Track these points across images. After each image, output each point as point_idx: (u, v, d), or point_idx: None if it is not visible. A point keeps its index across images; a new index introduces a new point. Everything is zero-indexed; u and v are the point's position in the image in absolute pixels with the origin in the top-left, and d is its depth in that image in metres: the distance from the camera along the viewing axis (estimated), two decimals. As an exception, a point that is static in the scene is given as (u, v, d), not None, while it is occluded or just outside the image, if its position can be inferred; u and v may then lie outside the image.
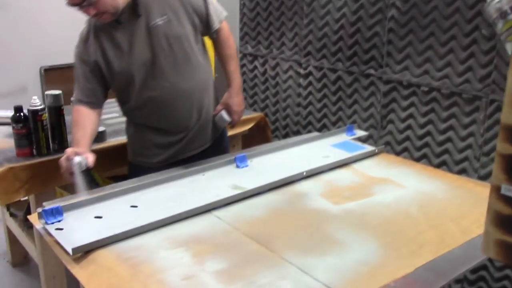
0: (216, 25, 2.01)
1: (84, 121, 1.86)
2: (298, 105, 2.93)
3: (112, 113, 2.60)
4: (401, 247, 1.36)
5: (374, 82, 2.51)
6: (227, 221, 1.48)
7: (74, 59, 1.91)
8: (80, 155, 1.67)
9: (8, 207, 2.53)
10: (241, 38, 3.18)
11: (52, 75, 3.12)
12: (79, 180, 1.65)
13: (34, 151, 1.99)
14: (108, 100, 2.84)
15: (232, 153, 2.00)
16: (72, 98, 1.93)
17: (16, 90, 3.15)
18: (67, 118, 2.07)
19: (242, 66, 3.18)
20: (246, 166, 1.86)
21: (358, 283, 1.20)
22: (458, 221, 1.50)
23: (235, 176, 1.77)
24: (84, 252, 1.31)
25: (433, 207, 1.59)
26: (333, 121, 2.77)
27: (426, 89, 2.29)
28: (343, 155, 1.97)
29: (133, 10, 1.85)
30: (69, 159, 1.66)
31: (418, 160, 2.35)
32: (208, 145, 2.11)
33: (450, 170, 2.23)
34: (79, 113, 1.87)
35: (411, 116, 2.38)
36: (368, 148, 2.05)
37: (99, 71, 1.88)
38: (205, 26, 1.99)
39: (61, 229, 1.40)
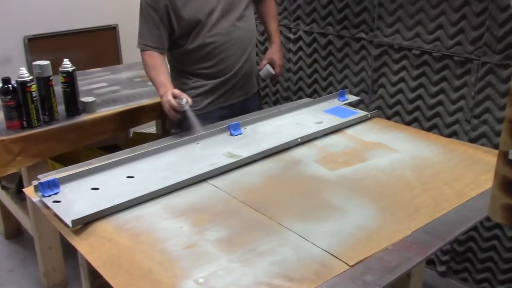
0: None
1: (160, 65, 2.01)
2: (288, 70, 2.91)
3: (101, 82, 2.56)
4: (398, 211, 1.38)
5: (365, 46, 2.49)
6: (224, 189, 1.49)
7: (141, 7, 2.03)
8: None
9: (-1, 179, 2.51)
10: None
11: (36, 44, 3.05)
12: (193, 116, 1.87)
13: (25, 123, 1.96)
14: (95, 69, 2.82)
15: (225, 121, 1.99)
16: (139, 44, 2.06)
17: (-1, 61, 3.08)
18: (56, 88, 2.03)
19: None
20: (240, 133, 1.86)
21: (358, 247, 1.22)
22: (452, 184, 1.52)
23: (229, 144, 1.77)
24: (84, 224, 1.31)
25: (427, 170, 1.61)
26: (324, 86, 2.76)
27: (417, 52, 2.28)
28: (336, 120, 1.97)
29: None
30: (179, 99, 1.84)
31: (409, 123, 2.36)
32: (250, 95, 2.27)
33: (441, 133, 2.25)
34: (153, 58, 2.02)
35: (402, 80, 2.38)
36: (360, 113, 2.05)
37: (168, 17, 2.00)
38: None
39: (59, 201, 1.40)
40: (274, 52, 2.30)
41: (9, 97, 1.92)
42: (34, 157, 2.00)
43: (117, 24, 3.46)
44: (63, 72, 2.06)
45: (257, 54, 2.56)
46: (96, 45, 3.36)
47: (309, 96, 2.80)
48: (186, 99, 1.84)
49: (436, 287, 2.42)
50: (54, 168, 2.17)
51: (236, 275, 1.12)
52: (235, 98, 2.20)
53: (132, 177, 1.54)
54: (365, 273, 1.13)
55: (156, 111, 2.33)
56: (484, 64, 2.06)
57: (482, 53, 2.06)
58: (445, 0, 2.13)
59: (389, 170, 1.61)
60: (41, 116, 2.01)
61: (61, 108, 2.10)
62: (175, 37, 2.07)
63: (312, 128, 1.89)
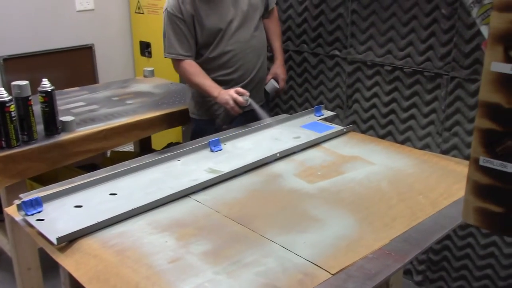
0: (272, 5, 2.44)
1: (200, 70, 2.24)
2: (265, 87, 2.96)
3: (79, 101, 2.57)
4: (375, 221, 1.43)
5: (339, 63, 2.57)
6: (207, 204, 1.52)
7: (169, 18, 2.19)
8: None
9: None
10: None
11: (12, 64, 3.04)
12: (258, 108, 2.19)
13: (4, 143, 1.96)
14: (72, 89, 2.82)
15: (205, 138, 2.02)
16: (170, 54, 2.24)
17: (-26, 81, 3.06)
18: (35, 108, 2.04)
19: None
20: (220, 149, 1.89)
21: (338, 256, 1.26)
22: (427, 194, 1.58)
23: (210, 160, 1.80)
24: (68, 241, 1.32)
25: (402, 181, 1.66)
26: (300, 102, 2.82)
27: (389, 68, 2.36)
28: (313, 135, 2.02)
29: None
30: (243, 96, 2.12)
31: (383, 137, 2.44)
32: (263, 103, 2.45)
33: (414, 146, 2.33)
34: (191, 65, 2.24)
35: (375, 95, 2.46)
36: (336, 127, 2.11)
37: (194, 27, 2.19)
38: (265, 4, 2.38)
39: (42, 219, 1.40)
40: (278, 67, 2.46)
41: (-12, 117, 1.92)
42: (13, 177, 1.99)
43: (93, 44, 3.48)
44: (42, 92, 2.07)
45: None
46: (72, 64, 3.37)
47: (286, 112, 2.86)
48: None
49: (413, 297, 2.47)
50: (33, 188, 2.16)
51: (222, 287, 1.14)
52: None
53: (115, 194, 1.55)
54: (347, 280, 1.17)
55: (137, 129, 2.35)
56: (453, 79, 2.15)
57: (450, 68, 2.15)
58: (415, 18, 2.23)
59: (366, 182, 1.66)
60: (20, 136, 2.00)
61: (40, 127, 2.10)
62: (198, 47, 2.26)
63: (290, 143, 1.94)
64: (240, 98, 2.11)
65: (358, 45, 2.45)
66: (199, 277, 1.17)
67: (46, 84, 2.08)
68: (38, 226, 1.37)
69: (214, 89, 2.18)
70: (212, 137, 1.94)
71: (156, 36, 3.56)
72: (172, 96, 2.70)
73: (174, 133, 3.38)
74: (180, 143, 2.65)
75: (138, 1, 3.59)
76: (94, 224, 1.35)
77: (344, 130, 2.09)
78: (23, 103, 1.98)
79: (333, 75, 2.61)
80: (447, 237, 2.34)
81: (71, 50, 3.37)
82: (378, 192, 1.60)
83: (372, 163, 1.81)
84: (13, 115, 1.95)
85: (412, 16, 2.23)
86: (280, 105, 2.91)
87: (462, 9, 2.03)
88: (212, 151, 1.87)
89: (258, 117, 2.20)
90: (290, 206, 1.51)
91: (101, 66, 3.57)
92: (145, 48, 3.66)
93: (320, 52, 2.63)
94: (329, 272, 1.19)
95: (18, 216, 1.44)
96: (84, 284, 1.19)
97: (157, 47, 3.58)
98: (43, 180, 2.30)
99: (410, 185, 1.64)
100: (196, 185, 1.58)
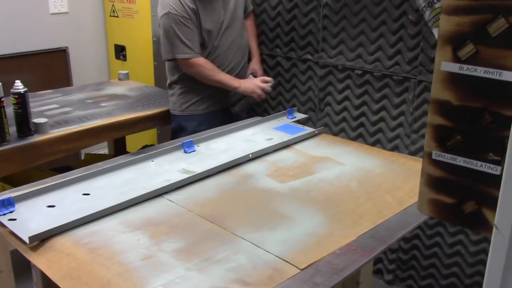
0: (250, 7, 2.63)
1: (215, 66, 2.39)
2: (239, 91, 3.00)
3: (52, 104, 2.56)
4: (344, 218, 1.47)
5: (311, 66, 2.62)
6: (179, 203, 1.54)
7: (175, 21, 2.26)
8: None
9: None
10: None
11: (-16, 66, 3.02)
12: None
13: (-25, 145, 1.95)
14: (46, 91, 2.81)
15: (178, 139, 2.04)
16: (185, 54, 2.32)
17: None
18: (8, 110, 2.03)
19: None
20: (194, 151, 1.92)
21: (308, 252, 1.30)
22: (394, 193, 1.64)
23: (183, 161, 1.82)
24: (41, 240, 1.33)
25: (370, 181, 1.72)
26: (273, 105, 2.86)
27: (359, 72, 2.43)
28: (285, 137, 2.06)
29: None
30: (269, 82, 2.42)
31: (354, 139, 2.49)
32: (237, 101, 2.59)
33: (384, 148, 2.39)
34: (206, 61, 2.38)
35: (346, 98, 2.52)
36: (308, 129, 2.16)
37: (196, 24, 2.30)
38: (244, 6, 2.55)
39: (14, 219, 1.41)
40: (256, 63, 2.64)
41: (-41, 118, 1.91)
42: (-16, 179, 1.98)
43: (67, 47, 3.47)
44: (14, 94, 2.06)
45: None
46: (46, 67, 3.35)
47: (259, 114, 2.89)
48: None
49: (384, 295, 2.52)
50: (4, 189, 2.15)
51: (193, 282, 1.17)
52: (229, 102, 2.57)
53: (88, 194, 1.57)
54: (314, 275, 1.21)
55: (111, 131, 2.36)
56: (420, 82, 2.22)
57: (418, 72, 2.22)
58: (384, 23, 2.29)
59: (336, 182, 1.71)
60: (-8, 137, 2.00)
61: (12, 129, 2.10)
62: None
63: (262, 144, 1.98)
64: (267, 87, 2.39)
65: (330, 50, 2.51)
66: (170, 273, 1.20)
67: (19, 85, 2.08)
68: (10, 225, 1.37)
69: (234, 80, 2.40)
70: (185, 139, 1.96)
71: (131, 40, 3.57)
72: (146, 99, 2.72)
73: (149, 136, 3.39)
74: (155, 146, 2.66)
75: (113, 5, 3.59)
76: (66, 223, 1.36)
77: (316, 132, 2.13)
78: (-5, 104, 1.98)
79: (306, 78, 2.66)
80: (416, 236, 2.41)
81: (45, 53, 3.36)
82: (347, 191, 1.65)
83: (342, 163, 1.86)
84: (-15, 116, 1.94)
85: (381, 21, 2.29)
86: (254, 107, 2.95)
87: (411, 10, 2.10)
88: (185, 152, 1.90)
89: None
90: (261, 205, 1.55)
91: (75, 69, 3.56)
92: (119, 51, 3.66)
93: (292, 56, 2.68)
94: (298, 268, 1.23)
95: (-11, 216, 1.44)
96: (56, 282, 1.20)
97: (132, 51, 3.59)
98: (15, 182, 2.28)
99: (378, 184, 1.69)
100: (169, 185, 1.61)
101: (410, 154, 2.29)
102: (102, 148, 3.51)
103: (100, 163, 1.83)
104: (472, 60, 0.67)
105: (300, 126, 2.22)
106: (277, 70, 2.78)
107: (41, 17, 3.36)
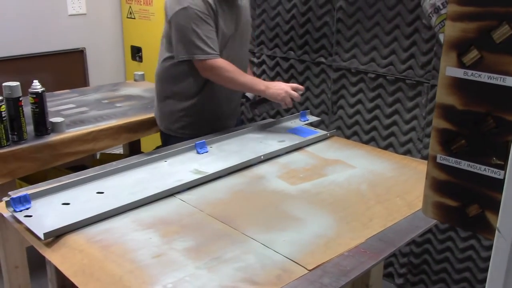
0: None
1: (239, 70, 2.14)
2: (252, 93, 3.02)
3: (69, 104, 2.61)
4: (353, 221, 1.48)
5: (324, 69, 2.63)
6: (191, 203, 1.56)
7: (192, 18, 2.02)
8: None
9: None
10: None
11: (3, 66, 3.08)
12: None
13: (-7, 143, 2.00)
14: (63, 91, 2.86)
15: (191, 140, 2.07)
16: (206, 55, 2.07)
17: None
18: (25, 109, 2.08)
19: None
20: (206, 151, 1.94)
21: (316, 254, 1.31)
22: (404, 196, 1.64)
23: (196, 162, 1.85)
24: (55, 236, 1.36)
25: (381, 184, 1.72)
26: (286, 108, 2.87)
27: (373, 75, 2.43)
28: (297, 139, 2.08)
29: None
30: (298, 91, 2.11)
31: (366, 143, 2.50)
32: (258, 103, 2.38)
33: (396, 152, 2.39)
34: (228, 64, 2.10)
35: (359, 101, 2.52)
36: (320, 132, 2.17)
37: (215, 23, 2.09)
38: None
39: (30, 216, 1.44)
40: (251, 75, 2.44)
41: (-21, 117, 1.96)
42: (3, 176, 2.02)
43: (84, 48, 3.52)
44: (32, 93, 2.11)
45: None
46: (64, 67, 3.41)
47: (272, 117, 2.92)
48: None
49: (394, 299, 2.52)
50: (20, 187, 2.19)
51: (202, 281, 1.19)
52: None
53: (102, 192, 1.60)
54: (322, 276, 1.22)
55: (126, 131, 2.39)
56: (433, 87, 2.22)
57: (431, 76, 2.22)
58: (397, 27, 2.30)
59: (346, 185, 1.72)
60: (10, 136, 2.04)
61: (30, 128, 2.14)
62: None
63: (274, 146, 1.99)
64: (296, 94, 2.09)
65: (343, 53, 2.52)
66: (180, 271, 1.22)
67: (36, 85, 2.12)
68: (26, 222, 1.41)
69: (259, 83, 2.13)
70: (198, 140, 1.99)
71: (147, 41, 3.61)
72: (161, 100, 2.74)
73: (163, 137, 3.42)
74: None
75: (130, 7, 3.64)
76: (80, 221, 1.39)
77: (328, 134, 2.15)
78: (13, 103, 2.02)
79: (319, 81, 2.67)
80: (427, 241, 2.40)
81: (63, 54, 3.42)
82: (357, 194, 1.65)
83: (353, 166, 1.86)
84: (3, 115, 1.98)
85: (394, 25, 2.30)
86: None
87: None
88: (198, 153, 1.92)
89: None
90: (272, 206, 1.57)
91: (92, 69, 3.62)
92: (136, 53, 3.71)
93: (306, 59, 2.69)
94: (306, 268, 1.24)
95: (6, 213, 1.48)
96: (69, 277, 1.23)
97: (148, 52, 3.63)
98: (33, 180, 2.32)
99: (388, 187, 1.70)
100: (181, 185, 1.63)
101: (422, 158, 2.29)
102: (117, 148, 3.56)
103: (114, 163, 1.86)
104: (476, 65, 0.68)
105: (312, 128, 2.24)
106: (290, 73, 2.79)
107: (60, 18, 3.42)
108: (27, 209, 1.48)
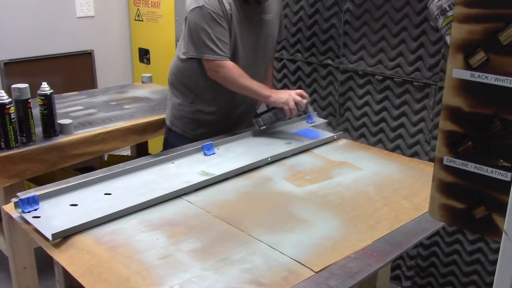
0: (283, 36, 2.36)
1: (246, 74, 2.07)
2: (260, 95, 3.03)
3: (77, 105, 2.63)
4: (360, 223, 1.48)
5: (331, 72, 2.63)
6: (198, 205, 1.57)
7: (205, 17, 1.99)
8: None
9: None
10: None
11: (12, 68, 3.11)
12: (311, 110, 2.25)
13: (2, 144, 2.01)
14: (71, 93, 2.88)
15: (198, 142, 2.07)
16: (214, 55, 2.03)
17: (-26, 84, 3.12)
18: (34, 111, 2.09)
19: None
20: (213, 153, 1.94)
21: (322, 255, 1.31)
22: (411, 198, 1.64)
23: (203, 163, 1.85)
24: (63, 237, 1.37)
25: (388, 187, 1.72)
26: (294, 110, 2.88)
27: (380, 78, 2.43)
28: (304, 141, 2.08)
29: None
30: (305, 98, 2.05)
31: (373, 145, 2.49)
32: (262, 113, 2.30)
33: (403, 154, 2.39)
34: (237, 67, 2.06)
35: (367, 103, 2.52)
36: (327, 134, 2.17)
37: (230, 28, 2.04)
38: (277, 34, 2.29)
39: (38, 217, 1.45)
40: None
41: (-12, 118, 1.97)
42: (11, 177, 2.04)
43: (92, 50, 3.54)
44: (41, 95, 2.12)
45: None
46: (72, 69, 3.43)
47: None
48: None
49: (401, 302, 2.51)
50: (29, 188, 2.21)
51: (209, 282, 1.19)
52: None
53: (110, 194, 1.61)
54: (329, 278, 1.22)
55: (133, 133, 2.40)
56: (441, 89, 2.22)
57: (438, 78, 2.21)
58: (405, 29, 2.29)
59: (353, 187, 1.72)
60: (18, 137, 2.06)
61: (38, 130, 2.16)
62: None
63: (281, 148, 1.99)
64: (303, 102, 2.03)
65: (350, 55, 2.52)
66: (187, 272, 1.23)
67: (45, 87, 2.13)
68: (34, 222, 1.42)
69: (265, 89, 2.09)
70: (206, 141, 1.99)
71: (154, 43, 3.63)
72: (168, 102, 2.75)
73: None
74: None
75: (138, 9, 3.66)
76: (88, 222, 1.40)
77: (335, 136, 2.14)
78: (22, 105, 2.04)
79: (326, 83, 2.67)
80: (435, 243, 2.39)
81: (71, 56, 3.44)
82: (364, 196, 1.65)
83: (360, 168, 1.86)
84: (12, 117, 2.00)
85: (402, 27, 2.29)
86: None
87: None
88: (205, 154, 1.93)
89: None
90: (278, 208, 1.57)
91: (100, 71, 3.64)
92: (143, 55, 3.73)
93: (313, 61, 2.69)
94: (313, 270, 1.24)
95: (15, 213, 1.49)
96: (77, 278, 1.24)
97: (156, 54, 3.65)
98: (41, 182, 2.34)
99: (395, 190, 1.70)
100: (188, 186, 1.64)
101: (430, 161, 2.28)
102: (125, 150, 3.57)
103: (121, 164, 1.87)
104: (483, 67, 0.68)
105: (319, 130, 2.23)
106: (297, 75, 2.79)
107: (68, 21, 3.44)
108: (35, 210, 1.49)
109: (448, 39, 1.85)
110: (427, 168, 1.87)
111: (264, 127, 2.13)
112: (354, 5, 2.44)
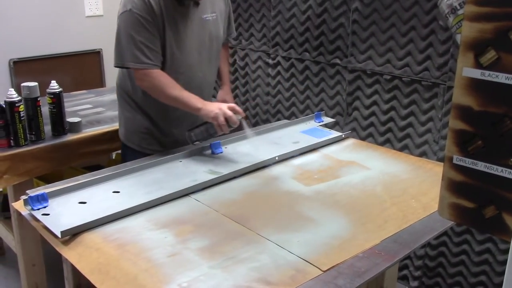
0: (233, 34, 2.24)
1: (175, 82, 1.90)
2: (267, 94, 3.03)
3: (86, 104, 2.64)
4: (368, 222, 1.48)
5: (339, 71, 2.63)
6: (206, 203, 1.57)
7: (130, 21, 1.82)
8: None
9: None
10: (210, 30, 3.24)
11: (21, 67, 3.13)
12: (246, 126, 1.95)
13: (12, 142, 2.02)
14: (80, 92, 2.89)
15: (207, 141, 2.07)
16: (136, 64, 1.86)
17: (-16, 83, 3.14)
18: (43, 109, 2.10)
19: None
20: (221, 152, 1.95)
21: (330, 255, 1.31)
22: (419, 198, 1.63)
23: (211, 162, 1.86)
24: (72, 235, 1.38)
25: (396, 186, 1.71)
26: (301, 109, 2.88)
27: (388, 77, 2.42)
28: (312, 140, 2.08)
29: None
30: (237, 114, 1.84)
31: (381, 144, 2.48)
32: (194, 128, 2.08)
33: (411, 154, 2.37)
34: (165, 76, 1.88)
35: (375, 103, 2.51)
36: (335, 133, 2.17)
37: (160, 33, 1.87)
38: (224, 33, 2.16)
39: (48, 214, 1.46)
40: (227, 93, 2.22)
41: (-2, 116, 1.99)
42: (21, 175, 2.05)
43: (101, 49, 3.55)
44: (50, 94, 2.14)
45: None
46: (80, 68, 3.44)
47: (287, 118, 2.92)
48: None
49: (409, 302, 2.50)
50: (38, 186, 2.22)
51: (217, 280, 1.20)
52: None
53: (118, 192, 1.61)
54: (337, 277, 1.22)
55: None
56: (450, 88, 2.21)
57: (447, 78, 2.20)
58: (413, 29, 2.28)
59: (361, 186, 1.71)
60: (28, 135, 2.07)
61: (47, 128, 2.17)
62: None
63: (289, 147, 1.99)
64: (234, 117, 1.82)
65: (359, 54, 2.51)
66: (195, 271, 1.23)
67: (54, 85, 2.15)
68: (44, 220, 1.43)
69: (197, 100, 1.87)
70: (213, 140, 1.99)
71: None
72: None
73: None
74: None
75: (146, 8, 3.66)
76: (96, 219, 1.41)
77: (343, 136, 2.14)
78: (31, 103, 2.05)
79: (334, 83, 2.67)
80: (443, 243, 2.38)
81: (80, 55, 3.45)
82: (372, 195, 1.65)
83: (368, 168, 1.86)
84: (22, 115, 2.02)
85: (410, 27, 2.28)
86: (282, 111, 2.97)
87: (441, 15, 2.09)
88: (213, 153, 1.93)
89: (247, 135, 2.03)
90: (286, 207, 1.57)
91: (108, 70, 3.64)
92: (151, 54, 3.73)
93: (321, 60, 2.69)
94: (320, 269, 1.24)
95: (24, 211, 1.50)
96: (86, 275, 1.25)
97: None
98: (50, 179, 2.35)
99: (403, 189, 1.69)
100: (196, 185, 1.64)
101: (438, 161, 2.27)
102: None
103: (129, 163, 1.88)
104: (493, 66, 0.68)
105: (327, 130, 2.23)
106: (305, 74, 2.79)
107: (77, 20, 3.45)
108: (44, 207, 1.50)
109: (458, 37, 1.84)
110: (435, 168, 1.86)
111: (197, 142, 1.96)
112: (362, 4, 2.44)
